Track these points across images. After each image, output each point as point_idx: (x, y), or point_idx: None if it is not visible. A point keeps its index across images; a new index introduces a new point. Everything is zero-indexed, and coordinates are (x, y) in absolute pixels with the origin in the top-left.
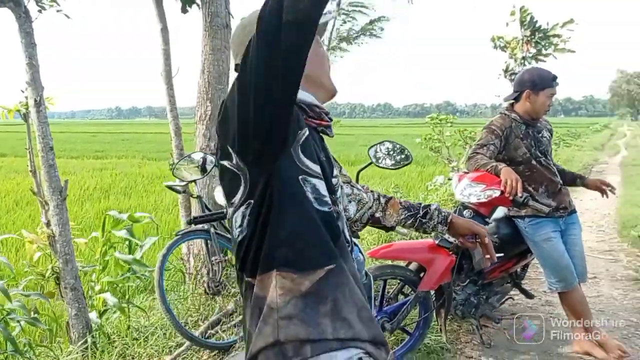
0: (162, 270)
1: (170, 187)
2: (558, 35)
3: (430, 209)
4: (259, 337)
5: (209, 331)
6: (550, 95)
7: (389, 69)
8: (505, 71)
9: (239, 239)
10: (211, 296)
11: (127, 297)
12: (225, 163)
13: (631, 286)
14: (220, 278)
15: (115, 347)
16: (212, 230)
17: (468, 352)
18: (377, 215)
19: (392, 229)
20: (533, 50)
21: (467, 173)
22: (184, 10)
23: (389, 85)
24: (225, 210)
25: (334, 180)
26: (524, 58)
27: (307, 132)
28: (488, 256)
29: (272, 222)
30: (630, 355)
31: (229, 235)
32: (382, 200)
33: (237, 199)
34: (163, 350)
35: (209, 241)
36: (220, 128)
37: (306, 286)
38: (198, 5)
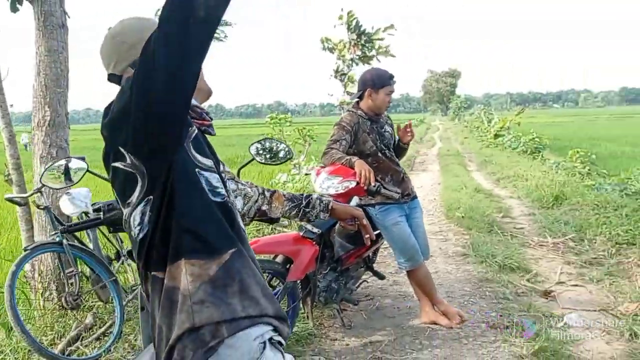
0: (13, 288)
1: (11, 200)
2: (381, 39)
3: (312, 199)
4: (175, 327)
5: (69, 348)
6: (389, 92)
7: (221, 70)
8: (336, 72)
9: (140, 236)
10: (67, 311)
11: None
12: (118, 164)
13: (461, 261)
14: (78, 291)
15: None
16: (65, 242)
17: (332, 335)
18: (263, 208)
19: (277, 220)
20: (359, 53)
21: (324, 167)
22: (13, 9)
23: (220, 86)
24: (101, 214)
25: (222, 175)
26: (352, 60)
27: (196, 130)
28: (367, 235)
29: (175, 213)
30: (468, 319)
31: (82, 246)
32: (267, 193)
33: (134, 197)
34: None
35: (61, 254)
36: (109, 131)
37: (214, 270)
38: (30, 2)
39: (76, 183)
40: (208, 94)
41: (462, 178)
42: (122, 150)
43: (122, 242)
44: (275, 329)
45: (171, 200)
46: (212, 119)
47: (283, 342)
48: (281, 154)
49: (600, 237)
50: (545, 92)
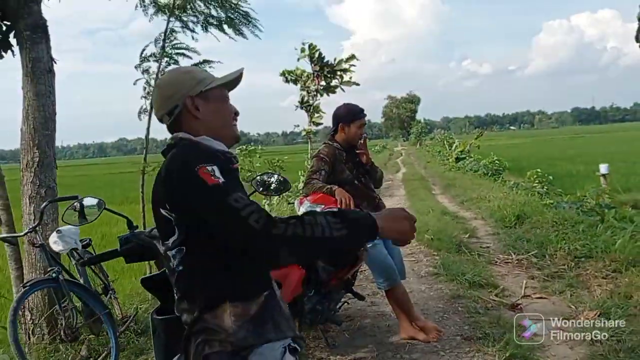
0: (16, 324)
1: (4, 240)
2: (343, 70)
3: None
4: (215, 347)
5: None
6: (360, 125)
7: None
8: (302, 102)
9: (179, 269)
10: (60, 345)
11: None
12: (163, 211)
13: (433, 280)
14: (75, 324)
15: None
16: (61, 277)
17: (318, 355)
18: None
19: None
20: (323, 83)
21: (307, 196)
22: None
23: None
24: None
25: None
26: (316, 90)
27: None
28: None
29: (215, 264)
30: (444, 333)
31: (76, 281)
32: None
33: (170, 242)
34: None
35: (57, 290)
36: (160, 189)
37: (254, 310)
38: (13, 52)
39: (93, 221)
40: (236, 140)
41: (428, 202)
42: (164, 206)
43: (107, 276)
44: (294, 341)
45: (209, 252)
46: (237, 162)
47: (299, 348)
48: (282, 187)
49: (560, 252)
50: (502, 114)
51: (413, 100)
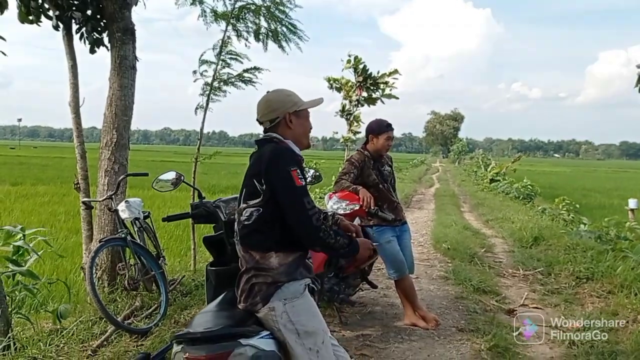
0: (92, 269)
1: (85, 203)
2: (386, 83)
3: (327, 215)
4: (260, 279)
5: (125, 321)
6: (388, 138)
7: (226, 100)
8: (342, 111)
9: (245, 223)
10: (120, 293)
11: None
12: (255, 182)
13: (443, 283)
14: (137, 276)
15: (36, 343)
16: (129, 238)
17: (331, 328)
18: None
19: None
20: (365, 94)
21: (335, 193)
22: (92, 51)
23: (224, 115)
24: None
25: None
26: (357, 101)
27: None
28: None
29: (276, 226)
30: (442, 323)
31: (139, 243)
32: None
33: (252, 202)
34: (87, 340)
35: (123, 248)
36: (259, 166)
37: (290, 259)
38: (107, 47)
39: (175, 189)
40: (308, 147)
41: (454, 217)
42: (260, 180)
43: (160, 245)
44: (312, 281)
45: (278, 215)
46: (304, 161)
47: (315, 289)
48: (315, 179)
49: (564, 272)
50: (547, 141)
51: (457, 118)
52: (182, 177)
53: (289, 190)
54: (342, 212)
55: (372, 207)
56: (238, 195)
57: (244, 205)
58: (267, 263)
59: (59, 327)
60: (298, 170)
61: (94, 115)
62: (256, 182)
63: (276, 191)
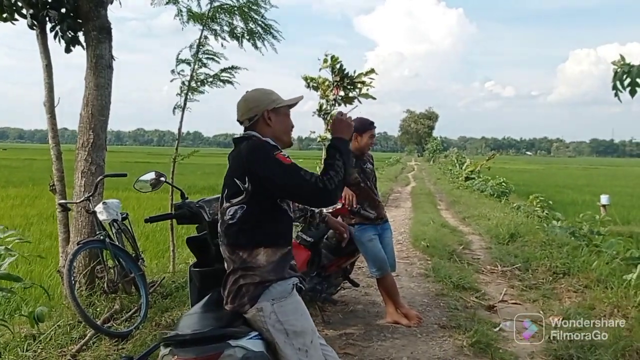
0: (71, 271)
1: (62, 205)
2: (363, 82)
3: (314, 212)
4: (249, 279)
5: (105, 325)
6: (371, 136)
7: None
8: (320, 110)
9: (230, 222)
10: (98, 297)
11: None
12: (237, 181)
13: (423, 280)
14: (116, 279)
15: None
16: (107, 240)
17: None
18: None
19: (294, 221)
20: (342, 94)
21: None
22: (67, 50)
23: (199, 114)
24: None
25: None
26: (334, 100)
27: None
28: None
29: (264, 218)
30: (425, 320)
31: (118, 245)
32: None
33: (234, 201)
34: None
35: (101, 251)
36: (238, 164)
37: (278, 256)
38: (82, 46)
39: (157, 190)
40: (289, 145)
41: (431, 215)
42: (240, 178)
43: (139, 247)
44: (300, 280)
45: (263, 210)
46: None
47: (302, 288)
48: None
49: (541, 268)
50: (520, 139)
51: (431, 117)
52: (164, 177)
53: (281, 172)
54: (324, 210)
55: (354, 206)
56: (220, 196)
57: (227, 204)
58: (255, 261)
59: (35, 332)
60: (282, 152)
61: (65, 116)
62: (237, 181)
63: (268, 181)
